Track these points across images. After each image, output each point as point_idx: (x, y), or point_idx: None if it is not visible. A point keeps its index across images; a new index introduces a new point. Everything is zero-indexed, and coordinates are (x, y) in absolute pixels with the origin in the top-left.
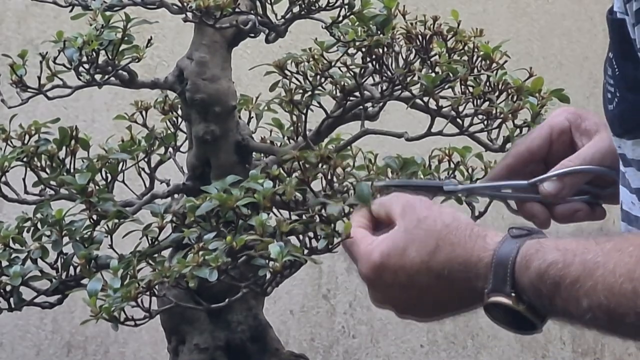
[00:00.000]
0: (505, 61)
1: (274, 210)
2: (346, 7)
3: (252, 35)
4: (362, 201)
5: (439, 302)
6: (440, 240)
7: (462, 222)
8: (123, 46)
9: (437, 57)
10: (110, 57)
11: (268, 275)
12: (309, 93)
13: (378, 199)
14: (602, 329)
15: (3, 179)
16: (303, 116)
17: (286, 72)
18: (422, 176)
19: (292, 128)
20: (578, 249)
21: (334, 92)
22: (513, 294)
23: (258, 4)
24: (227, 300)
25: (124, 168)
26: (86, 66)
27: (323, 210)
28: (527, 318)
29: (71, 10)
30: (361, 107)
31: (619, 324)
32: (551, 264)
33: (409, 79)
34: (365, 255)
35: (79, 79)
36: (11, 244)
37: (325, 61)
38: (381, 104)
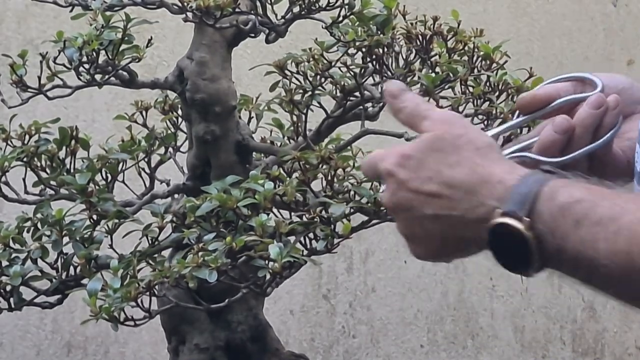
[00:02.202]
0: (506, 61)
1: (274, 210)
2: (346, 7)
3: (252, 35)
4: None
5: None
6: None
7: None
8: (123, 46)
9: (437, 57)
10: (110, 57)
11: (268, 276)
12: (309, 93)
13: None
14: (608, 283)
15: (3, 179)
16: (303, 116)
17: (286, 72)
18: None
19: (292, 128)
20: (609, 193)
21: (334, 92)
22: (527, 219)
23: (258, 4)
24: (227, 300)
25: (124, 168)
26: (86, 66)
27: (323, 211)
28: (527, 252)
29: (71, 11)
30: (361, 107)
31: (630, 274)
32: (578, 200)
33: (409, 78)
34: (421, 135)
35: (79, 79)
36: (11, 244)
37: (325, 61)
38: (381, 103)
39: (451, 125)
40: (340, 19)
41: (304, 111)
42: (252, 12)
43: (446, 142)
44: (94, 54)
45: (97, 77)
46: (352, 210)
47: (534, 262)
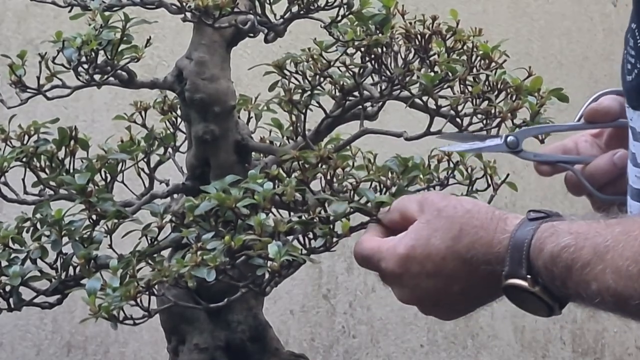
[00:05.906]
0: (505, 60)
1: (273, 210)
2: (345, 6)
3: (251, 35)
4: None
5: (465, 289)
6: (463, 225)
7: (483, 206)
8: (122, 46)
9: (436, 56)
10: (109, 57)
11: (267, 275)
12: (308, 93)
13: (390, 206)
14: (611, 311)
15: (2, 179)
16: (302, 116)
17: (285, 72)
18: (421, 176)
19: (291, 128)
20: (589, 233)
21: (333, 92)
22: (529, 277)
23: (257, 3)
24: (226, 299)
25: (123, 168)
26: (85, 66)
27: (322, 211)
28: (543, 300)
29: (70, 11)
30: (360, 106)
31: (625, 306)
32: (564, 247)
33: (408, 78)
34: (389, 251)
35: (78, 79)
36: (10, 244)
37: (324, 61)
38: (380, 103)
39: (429, 201)
40: (339, 18)
41: (303, 111)
42: (251, 11)
43: (439, 218)
44: (93, 54)
45: (96, 77)
46: (351, 210)
47: (552, 306)
